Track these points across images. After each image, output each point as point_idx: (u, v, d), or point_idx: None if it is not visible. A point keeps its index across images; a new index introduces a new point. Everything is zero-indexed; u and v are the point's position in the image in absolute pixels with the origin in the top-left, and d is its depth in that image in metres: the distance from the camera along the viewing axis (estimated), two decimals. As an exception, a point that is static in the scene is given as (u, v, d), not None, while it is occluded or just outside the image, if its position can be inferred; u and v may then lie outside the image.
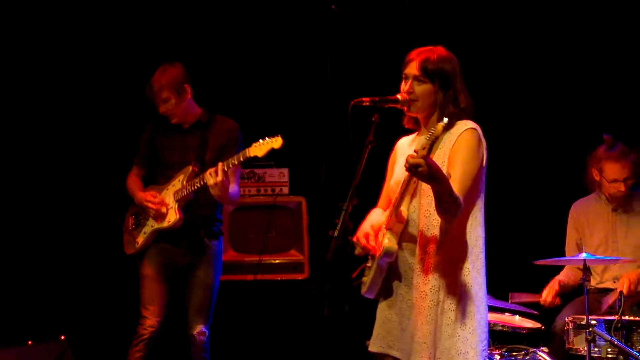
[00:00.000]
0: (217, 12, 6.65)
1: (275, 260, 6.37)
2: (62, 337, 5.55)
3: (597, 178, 5.55)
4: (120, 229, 5.38)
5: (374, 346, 3.80)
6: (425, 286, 3.59)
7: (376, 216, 3.85)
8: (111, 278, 6.42)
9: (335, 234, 3.41)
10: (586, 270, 4.86)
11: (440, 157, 3.61)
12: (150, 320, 5.10)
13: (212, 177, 4.85)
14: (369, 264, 3.80)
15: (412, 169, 3.26)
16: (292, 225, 6.41)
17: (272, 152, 4.78)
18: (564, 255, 5.64)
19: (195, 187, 5.00)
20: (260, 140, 4.82)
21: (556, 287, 5.48)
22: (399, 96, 3.69)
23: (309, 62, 6.46)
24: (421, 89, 3.69)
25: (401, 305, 3.71)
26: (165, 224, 5.12)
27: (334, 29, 6.21)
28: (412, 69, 3.71)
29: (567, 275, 5.57)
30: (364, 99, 3.67)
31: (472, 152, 3.62)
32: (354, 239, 3.73)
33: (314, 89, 6.26)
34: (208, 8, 6.65)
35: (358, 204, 3.65)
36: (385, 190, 3.96)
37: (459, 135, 3.64)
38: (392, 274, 3.72)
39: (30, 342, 5.45)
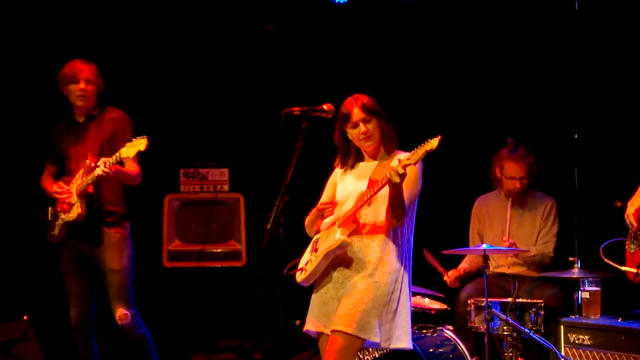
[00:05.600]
0: (164, 25, 6.87)
1: (216, 249, 6.73)
2: (25, 317, 5.76)
3: (498, 175, 5.96)
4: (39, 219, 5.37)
5: (312, 326, 4.10)
6: (382, 278, 3.99)
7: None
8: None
9: (269, 226, 3.78)
10: (486, 259, 5.27)
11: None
12: (72, 312, 5.22)
13: (99, 171, 4.91)
14: (311, 258, 4.10)
15: (392, 173, 3.72)
16: (231, 219, 6.78)
17: (140, 152, 4.78)
18: (467, 245, 6.08)
19: (90, 182, 5.01)
20: (132, 140, 4.86)
21: (461, 272, 5.94)
22: (325, 106, 4.05)
23: (248, 76, 6.75)
24: (372, 125, 4.09)
25: (333, 291, 4.05)
26: (70, 217, 5.14)
27: (271, 45, 6.52)
28: (358, 114, 4.07)
29: (469, 263, 6.00)
30: (294, 108, 4.01)
31: (418, 178, 4.05)
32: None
33: (252, 99, 6.54)
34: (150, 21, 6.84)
35: (289, 201, 4.07)
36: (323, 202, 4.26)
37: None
38: (329, 264, 4.07)
39: (-5, 322, 5.64)
